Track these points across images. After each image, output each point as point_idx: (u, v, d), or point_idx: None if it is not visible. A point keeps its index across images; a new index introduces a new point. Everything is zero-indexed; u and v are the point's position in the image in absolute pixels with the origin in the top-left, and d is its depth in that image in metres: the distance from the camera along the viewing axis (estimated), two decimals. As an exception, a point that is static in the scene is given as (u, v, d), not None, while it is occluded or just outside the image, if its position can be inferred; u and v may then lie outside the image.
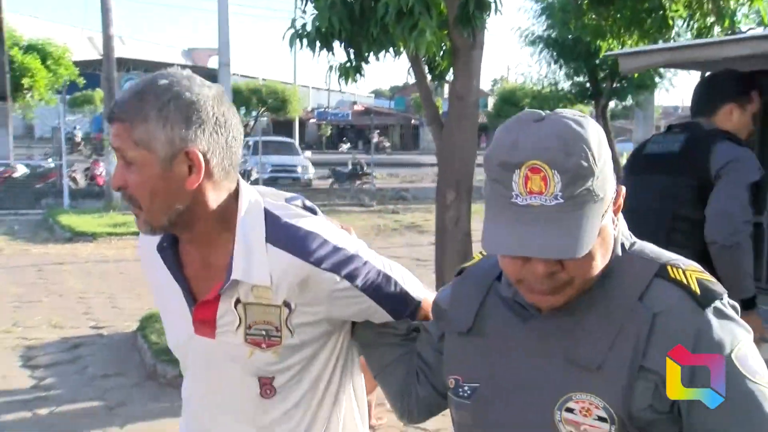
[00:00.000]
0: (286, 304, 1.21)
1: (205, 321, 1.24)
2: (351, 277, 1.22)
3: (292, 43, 5.54)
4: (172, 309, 1.30)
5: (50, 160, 18.26)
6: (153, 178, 1.15)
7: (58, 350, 5.88)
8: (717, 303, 1.02)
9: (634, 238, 1.12)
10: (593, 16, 6.51)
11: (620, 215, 1.10)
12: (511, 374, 1.09)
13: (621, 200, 1.06)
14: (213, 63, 26.19)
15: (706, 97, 2.92)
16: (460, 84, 5.58)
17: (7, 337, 6.14)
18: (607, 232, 1.01)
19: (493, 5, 5.25)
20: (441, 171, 5.83)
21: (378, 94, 49.31)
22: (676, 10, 6.01)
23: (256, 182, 19.41)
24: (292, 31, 5.49)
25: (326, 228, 1.24)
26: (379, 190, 19.57)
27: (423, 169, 28.01)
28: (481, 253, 1.23)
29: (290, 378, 1.27)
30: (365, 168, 21.61)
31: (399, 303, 1.29)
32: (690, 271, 1.05)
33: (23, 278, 8.47)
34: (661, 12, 5.99)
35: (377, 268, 1.26)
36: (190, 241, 1.26)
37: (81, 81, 24.79)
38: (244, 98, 27.94)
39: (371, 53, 5.53)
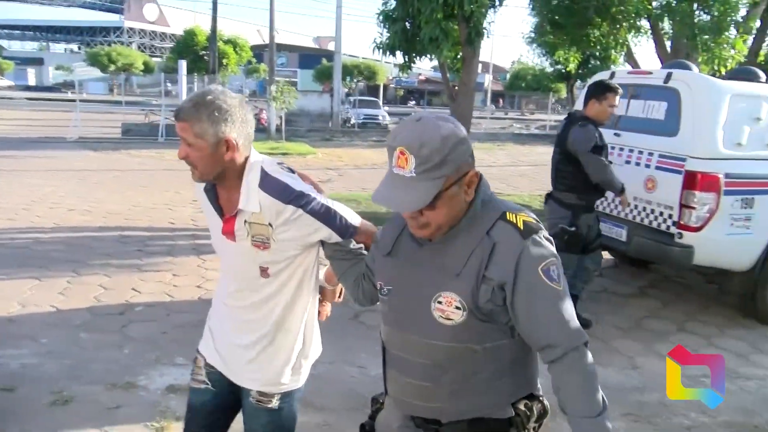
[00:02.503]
0: (270, 224, 1.21)
1: (228, 231, 1.25)
2: (303, 207, 1.20)
3: (373, 50, 6.35)
4: (213, 224, 1.31)
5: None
6: (205, 155, 1.17)
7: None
8: (534, 236, 0.97)
9: (493, 197, 1.05)
10: (551, 36, 6.79)
11: (484, 185, 1.03)
12: (410, 280, 1.05)
13: (475, 181, 1.00)
14: (331, 47, 26.22)
15: (585, 96, 3.25)
16: (465, 77, 6.23)
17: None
18: (450, 198, 0.96)
19: (485, 33, 5.82)
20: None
21: (436, 69, 47.65)
22: (595, 38, 6.28)
23: (353, 126, 19.46)
24: (374, 44, 6.29)
25: (292, 180, 1.23)
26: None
27: (459, 120, 26.85)
28: None
29: (277, 270, 1.28)
30: (422, 118, 21.65)
31: (340, 226, 1.25)
32: (520, 216, 1.00)
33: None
34: (588, 38, 6.26)
35: (322, 203, 1.23)
36: (223, 186, 1.26)
37: (253, 59, 25.56)
38: (348, 70, 28.01)
39: (417, 58, 6.30)
